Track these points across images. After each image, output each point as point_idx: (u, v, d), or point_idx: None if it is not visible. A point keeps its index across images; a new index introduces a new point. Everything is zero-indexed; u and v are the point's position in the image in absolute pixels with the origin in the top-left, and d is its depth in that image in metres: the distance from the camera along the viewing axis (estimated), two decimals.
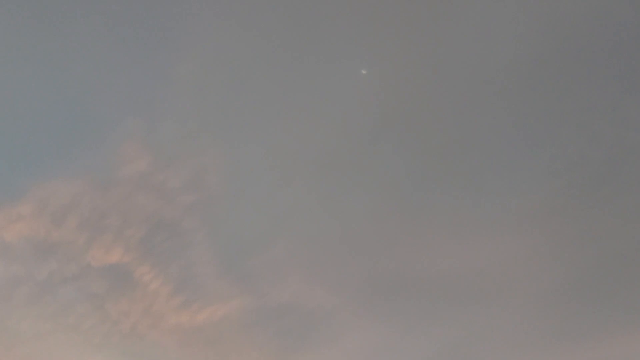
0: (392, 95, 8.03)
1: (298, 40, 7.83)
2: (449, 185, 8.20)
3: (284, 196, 8.25)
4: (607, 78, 7.64)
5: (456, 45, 7.78)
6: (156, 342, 8.20)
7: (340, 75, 7.99)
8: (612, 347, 7.90)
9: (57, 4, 7.14)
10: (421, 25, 7.78)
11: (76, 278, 7.98)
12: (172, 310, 8.19)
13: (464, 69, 7.87)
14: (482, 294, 8.35)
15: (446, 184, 8.21)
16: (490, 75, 7.78)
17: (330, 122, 8.07)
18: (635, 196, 7.75)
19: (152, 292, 8.14)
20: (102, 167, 7.74)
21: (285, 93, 7.97)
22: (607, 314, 7.96)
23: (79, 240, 7.93)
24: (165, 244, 8.11)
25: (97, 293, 8.06)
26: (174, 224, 8.08)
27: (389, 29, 7.85)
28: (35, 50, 7.46)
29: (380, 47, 7.87)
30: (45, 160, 7.67)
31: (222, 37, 7.72)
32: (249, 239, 8.28)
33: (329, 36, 7.82)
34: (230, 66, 7.85)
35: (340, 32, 7.80)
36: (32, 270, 7.88)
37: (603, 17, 7.40)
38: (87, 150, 7.67)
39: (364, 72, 7.96)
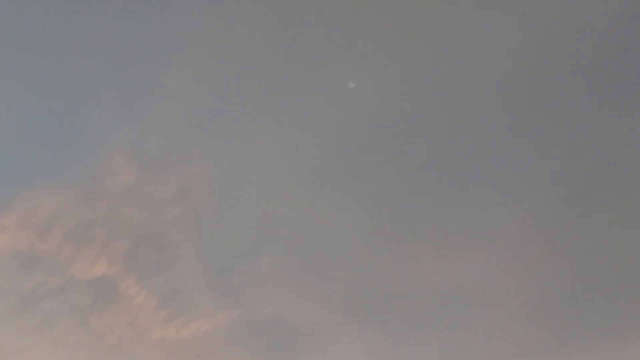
0: (380, 109, 8.07)
1: (286, 53, 7.86)
2: (436, 198, 8.23)
3: (271, 209, 8.23)
4: (591, 92, 7.71)
5: (443, 59, 7.82)
6: (141, 356, 8.10)
7: (328, 88, 8.02)
8: (601, 357, 7.88)
9: (44, 15, 7.13)
10: (409, 38, 7.80)
11: (60, 291, 7.89)
12: (157, 324, 8.11)
13: (450, 85, 7.92)
14: (470, 307, 8.34)
15: (433, 197, 8.24)
16: (476, 90, 7.83)
17: (318, 135, 8.09)
18: (621, 208, 7.79)
19: (137, 306, 8.06)
20: (88, 178, 7.69)
21: (273, 106, 7.98)
22: (595, 324, 7.95)
23: (63, 253, 7.85)
24: (152, 256, 8.05)
25: (82, 306, 7.97)
26: (161, 237, 8.03)
27: (377, 42, 7.89)
28: (22, 60, 7.44)
29: (368, 61, 7.91)
30: (31, 171, 7.61)
31: (211, 48, 7.74)
32: (236, 252, 8.24)
33: (317, 49, 7.85)
34: (218, 77, 7.86)
35: (328, 45, 7.84)
36: (15, 283, 7.80)
37: (588, 33, 7.45)
38: (73, 161, 7.63)
39: (351, 85, 8.00)
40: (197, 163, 7.97)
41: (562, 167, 7.91)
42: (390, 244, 8.41)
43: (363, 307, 8.51)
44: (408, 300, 8.40)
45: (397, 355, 8.28)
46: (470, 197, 8.14)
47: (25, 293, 7.78)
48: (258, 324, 8.31)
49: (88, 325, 7.97)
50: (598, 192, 7.82)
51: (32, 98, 7.42)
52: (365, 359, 8.33)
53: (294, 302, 8.41)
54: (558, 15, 7.40)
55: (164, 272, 8.09)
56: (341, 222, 8.36)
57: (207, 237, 8.19)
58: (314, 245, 8.40)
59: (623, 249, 7.80)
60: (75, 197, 7.75)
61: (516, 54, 7.61)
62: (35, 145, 7.57)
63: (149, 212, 7.94)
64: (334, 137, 8.09)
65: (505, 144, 8.02)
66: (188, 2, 7.42)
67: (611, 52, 7.49)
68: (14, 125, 7.53)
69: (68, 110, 7.53)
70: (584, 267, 7.96)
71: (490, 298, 8.29)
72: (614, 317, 7.90)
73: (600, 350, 7.90)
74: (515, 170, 7.99)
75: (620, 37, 7.43)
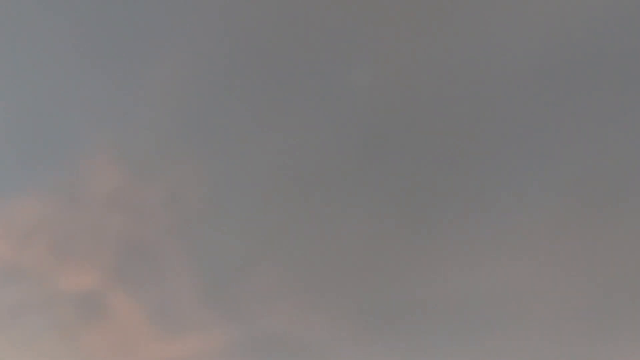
0: (388, 106, 7.66)
1: (282, 45, 7.47)
2: (452, 203, 7.74)
3: (271, 215, 7.81)
4: (618, 90, 7.21)
5: (456, 55, 7.39)
6: None
7: (332, 84, 7.66)
8: None
9: (17, 12, 6.73)
10: (418, 31, 7.42)
11: (44, 305, 7.55)
12: (148, 340, 7.69)
13: (465, 82, 7.56)
14: (491, 319, 7.79)
15: (449, 202, 7.75)
16: (493, 88, 7.36)
17: (321, 133, 7.69)
18: None
19: (126, 321, 7.64)
20: (70, 185, 7.29)
21: (270, 102, 7.57)
22: (625, 334, 7.32)
23: (46, 264, 7.49)
24: (141, 268, 7.63)
25: (67, 321, 7.59)
26: (150, 247, 7.60)
27: (384, 32, 7.54)
28: None
29: (378, 53, 7.46)
30: (9, 178, 7.23)
31: (200, 40, 7.33)
32: (232, 262, 7.82)
33: (316, 41, 7.52)
34: (210, 72, 7.45)
35: (329, 38, 7.52)
36: None
37: (613, 26, 6.92)
38: (54, 167, 7.23)
39: (358, 77, 7.59)
40: (189, 166, 7.55)
41: (590, 167, 7.37)
42: (405, 251, 7.94)
43: (375, 322, 8.01)
44: (425, 313, 7.90)
45: None
46: (490, 201, 7.66)
47: (7, 308, 7.45)
48: (258, 342, 7.87)
49: (74, 341, 7.58)
50: (628, 192, 7.23)
51: (9, 99, 7.05)
52: None
53: (298, 317, 7.96)
54: None
55: (155, 285, 7.67)
56: (349, 228, 7.92)
57: (201, 246, 7.76)
58: (320, 253, 7.96)
59: None
60: (57, 205, 7.36)
61: (538, 48, 7.16)
62: (12, 151, 7.22)
63: (137, 220, 7.50)
64: (339, 135, 7.72)
65: (527, 143, 7.55)
66: None
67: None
68: None
69: (48, 111, 7.14)
70: (615, 271, 7.36)
71: (514, 307, 7.74)
72: None
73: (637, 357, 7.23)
74: (539, 171, 7.47)
75: None
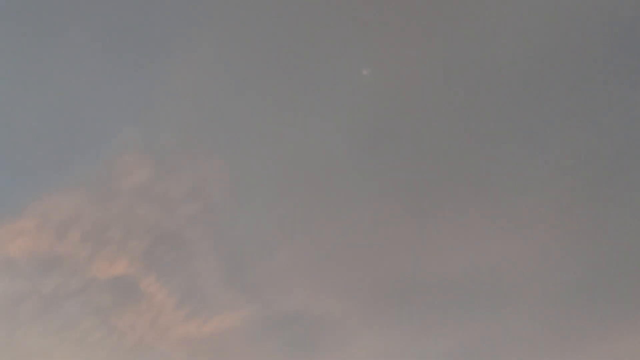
0: (395, 96, 7.92)
1: (296, 44, 7.76)
2: (456, 186, 8.07)
3: (287, 203, 8.16)
4: (615, 72, 7.48)
5: (459, 43, 7.66)
6: (163, 354, 8.11)
7: (341, 77, 7.91)
8: (628, 345, 7.69)
9: (50, 18, 7.11)
10: (423, 22, 7.66)
11: (81, 291, 7.94)
12: (178, 321, 8.11)
13: (468, 67, 7.76)
14: (493, 296, 8.16)
15: (453, 185, 8.08)
16: (495, 73, 7.66)
17: (332, 126, 7.98)
18: None
19: (157, 304, 8.06)
20: (102, 179, 7.70)
21: (285, 98, 7.89)
22: (622, 311, 7.74)
23: (82, 253, 7.89)
24: (169, 254, 8.04)
25: (103, 306, 8.00)
26: (177, 235, 8.01)
27: (389, 27, 7.77)
28: (31, 64, 7.45)
29: (381, 46, 7.76)
30: (45, 174, 7.64)
31: (219, 42, 7.66)
32: (253, 247, 8.19)
33: (328, 37, 7.75)
34: (228, 72, 7.79)
35: (339, 32, 7.73)
36: (36, 285, 7.85)
37: (612, 11, 7.23)
38: (87, 162, 7.64)
39: (365, 72, 7.86)
40: (211, 159, 7.92)
41: (587, 149, 7.68)
42: (411, 234, 8.29)
43: (384, 299, 8.41)
44: (431, 292, 8.28)
45: (420, 348, 8.16)
46: (492, 183, 7.98)
47: (46, 295, 7.85)
48: (278, 319, 8.27)
49: (109, 324, 8.01)
50: (625, 174, 7.59)
51: (43, 102, 7.44)
52: (388, 352, 8.22)
53: (314, 296, 8.34)
54: None
55: (183, 270, 8.09)
56: (360, 213, 8.26)
57: (224, 234, 8.15)
58: (333, 238, 8.32)
59: None
60: (90, 198, 7.76)
61: (537, 34, 7.43)
62: (48, 149, 7.60)
63: (164, 211, 7.93)
64: (350, 127, 7.99)
65: (528, 127, 7.82)
66: None
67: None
68: (27, 130, 7.56)
69: (79, 111, 7.53)
70: (612, 251, 7.74)
71: (515, 285, 8.12)
72: None
73: (630, 336, 7.69)
74: (538, 153, 7.78)
75: None
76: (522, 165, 7.76)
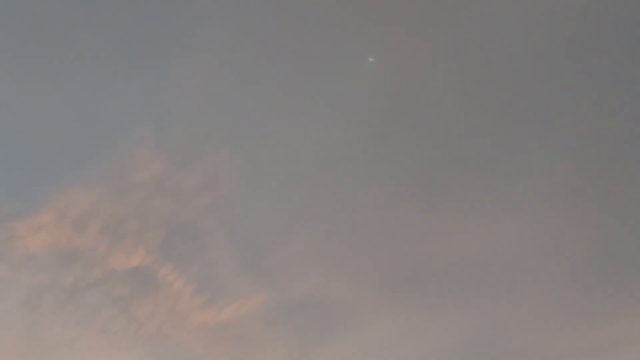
0: (402, 83, 7.97)
1: (303, 35, 7.80)
2: (464, 171, 8.13)
3: (298, 191, 8.28)
4: (622, 53, 7.46)
5: (465, 28, 7.68)
6: (182, 341, 8.33)
7: (347, 65, 7.95)
8: (637, 326, 7.78)
9: (64, 19, 7.22)
10: (429, 10, 7.67)
11: (100, 283, 8.14)
12: (195, 309, 8.30)
13: (473, 53, 7.78)
14: (503, 279, 8.27)
15: (461, 170, 8.14)
16: (500, 58, 7.67)
17: (340, 114, 8.05)
18: None
19: (175, 293, 8.27)
20: (117, 174, 7.85)
21: (293, 88, 7.97)
22: (631, 292, 7.82)
23: (100, 246, 8.08)
24: (185, 245, 8.22)
25: (122, 296, 8.20)
26: (192, 226, 8.18)
27: (395, 15, 7.78)
28: (47, 64, 7.59)
29: (387, 34, 7.81)
30: (62, 171, 7.81)
31: (227, 36, 7.73)
32: (266, 236, 8.34)
33: (334, 27, 7.77)
34: (237, 65, 7.87)
35: (345, 20, 7.74)
36: (57, 278, 8.06)
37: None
38: (102, 158, 7.80)
39: (371, 60, 7.89)
40: (222, 151, 8.04)
41: (594, 131, 7.70)
42: (421, 218, 8.38)
43: (397, 283, 8.54)
44: (442, 275, 8.39)
45: (433, 330, 8.31)
46: (499, 167, 8.03)
47: (67, 287, 8.06)
48: (293, 305, 8.43)
49: (129, 314, 8.22)
50: (632, 156, 7.61)
51: (57, 99, 7.58)
52: (402, 335, 8.39)
53: (327, 282, 8.49)
54: None
55: (199, 259, 8.27)
56: (370, 200, 8.35)
57: (237, 223, 8.30)
58: (345, 224, 8.43)
59: None
60: (107, 192, 7.94)
61: (543, 18, 7.43)
62: (64, 146, 7.76)
63: (179, 203, 8.09)
64: (358, 114, 8.05)
65: (534, 110, 7.83)
66: None
67: None
68: (43, 127, 7.72)
69: (92, 108, 7.67)
70: (621, 232, 7.79)
71: (525, 268, 8.21)
72: None
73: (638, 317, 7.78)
74: (545, 136, 7.81)
75: None
76: (529, 149, 7.81)
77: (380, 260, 8.46)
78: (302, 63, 7.87)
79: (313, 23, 7.80)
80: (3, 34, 7.53)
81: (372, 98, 8.00)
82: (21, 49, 7.60)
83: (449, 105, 8.00)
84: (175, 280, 8.21)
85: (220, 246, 8.24)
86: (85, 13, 7.43)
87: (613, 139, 7.63)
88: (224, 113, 7.99)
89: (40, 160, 7.83)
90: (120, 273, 8.15)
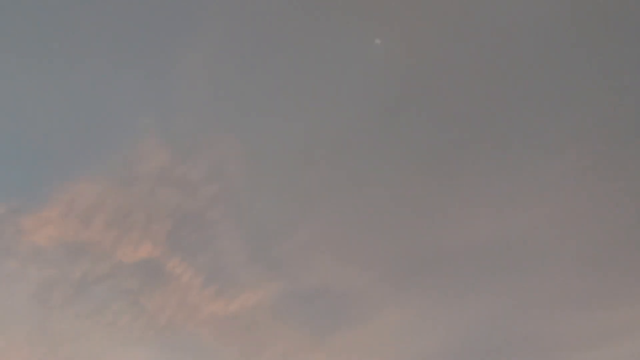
0: (410, 64, 7.81)
1: (307, 17, 7.65)
2: (477, 153, 7.98)
3: (306, 178, 8.18)
4: (636, 33, 7.24)
5: (475, 7, 7.48)
6: (193, 333, 8.32)
7: (353, 48, 7.80)
8: None
9: (64, 10, 7.13)
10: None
11: (109, 276, 8.13)
12: (205, 300, 8.28)
13: (484, 32, 7.60)
14: (520, 262, 8.15)
15: (473, 152, 7.99)
16: (513, 37, 7.47)
17: (347, 99, 7.92)
18: None
19: (184, 285, 8.23)
20: (121, 166, 7.80)
21: (298, 73, 7.85)
22: None
23: (107, 239, 8.05)
24: (192, 236, 8.17)
25: (131, 289, 8.19)
26: (199, 216, 8.12)
27: (398, 4, 7.60)
28: (49, 57, 7.51)
29: (393, 13, 7.63)
30: (66, 164, 7.77)
31: (230, 22, 7.61)
32: (274, 225, 8.27)
33: (338, 8, 7.62)
34: (241, 51, 7.75)
35: (349, 1, 7.59)
36: (65, 272, 8.05)
37: None
38: (106, 151, 7.74)
39: (377, 41, 7.74)
40: (227, 140, 7.95)
41: (610, 108, 7.50)
42: (432, 203, 8.26)
43: (409, 270, 8.46)
44: (456, 260, 8.29)
45: (447, 318, 8.21)
46: (513, 148, 7.86)
47: (76, 281, 8.05)
48: (304, 294, 8.39)
49: (139, 307, 8.21)
50: None
51: (58, 92, 7.51)
52: (414, 323, 8.30)
53: (337, 270, 8.42)
54: None
55: (207, 250, 8.22)
56: (380, 185, 8.24)
57: (245, 213, 8.24)
58: (354, 211, 8.34)
59: None
60: (112, 185, 7.89)
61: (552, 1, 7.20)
62: (66, 138, 7.70)
63: (185, 194, 8.02)
64: (365, 98, 7.92)
65: (548, 89, 7.65)
66: None
67: None
68: (44, 120, 7.66)
69: (93, 100, 7.59)
70: (636, 214, 7.63)
71: (542, 250, 8.09)
72: None
73: None
74: (559, 115, 7.62)
75: None
76: (541, 131, 7.64)
77: (391, 247, 8.37)
78: (307, 47, 7.75)
79: (317, 6, 7.66)
80: (4, 29, 7.47)
81: (380, 81, 7.88)
82: (22, 43, 7.54)
83: (458, 88, 7.85)
84: (184, 272, 8.17)
85: (229, 236, 8.19)
86: (86, 5, 7.33)
87: (626, 120, 7.44)
88: (228, 101, 7.89)
89: (44, 154, 7.80)
90: (128, 266, 8.13)
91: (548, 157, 7.69)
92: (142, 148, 7.77)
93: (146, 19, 7.42)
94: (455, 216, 8.11)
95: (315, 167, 8.15)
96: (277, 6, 7.61)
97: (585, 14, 7.30)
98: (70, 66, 7.58)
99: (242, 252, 8.26)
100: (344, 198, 8.27)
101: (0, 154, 7.73)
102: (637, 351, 7.61)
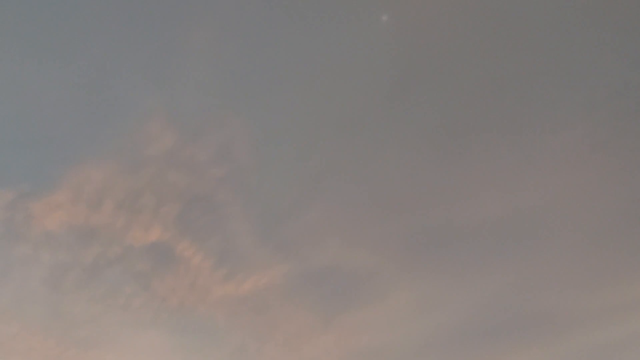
0: (417, 41, 7.69)
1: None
2: (486, 129, 7.87)
3: (314, 158, 8.10)
4: None
5: None
6: (204, 314, 8.32)
7: (361, 25, 7.67)
8: None
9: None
10: None
11: (120, 260, 8.14)
12: (216, 282, 8.27)
13: (495, 6, 7.46)
14: (530, 236, 8.07)
15: (482, 128, 7.88)
16: (522, 10, 7.34)
17: (354, 77, 7.82)
18: None
19: (195, 267, 8.23)
20: (129, 148, 7.77)
21: (304, 52, 7.73)
22: None
23: (117, 223, 8.05)
24: (202, 218, 8.14)
25: (143, 272, 8.20)
26: (208, 198, 8.08)
27: None
28: (55, 40, 7.47)
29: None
30: (74, 148, 7.76)
31: (235, 1, 7.50)
32: (283, 205, 8.21)
33: None
34: (247, 30, 7.64)
35: None
36: (77, 256, 8.08)
37: None
38: (113, 133, 7.71)
39: (384, 18, 7.63)
40: (234, 120, 7.88)
41: (620, 81, 7.37)
42: (442, 180, 8.17)
43: (419, 249, 8.38)
44: (466, 237, 8.22)
45: (457, 295, 8.16)
46: (522, 123, 7.75)
47: (88, 265, 8.08)
48: (314, 274, 8.35)
49: (151, 289, 8.22)
50: None
51: (65, 77, 7.48)
52: (425, 300, 8.25)
53: (347, 250, 8.37)
54: None
55: (217, 233, 8.19)
56: (389, 164, 8.15)
57: (254, 194, 8.18)
58: (363, 189, 8.26)
59: None
60: (120, 168, 7.86)
61: None
62: (75, 123, 7.68)
63: (193, 175, 7.98)
64: (372, 77, 7.82)
65: (556, 62, 7.51)
66: None
67: None
68: (53, 105, 7.65)
69: (100, 83, 7.55)
70: None
71: (552, 224, 8.00)
72: None
73: None
74: (568, 89, 7.51)
75: None
76: (552, 103, 7.50)
77: (401, 225, 8.30)
78: (314, 26, 7.61)
79: None
80: (11, 14, 7.43)
81: (387, 57, 7.76)
82: (29, 28, 7.50)
83: (466, 61, 7.73)
84: (194, 255, 8.17)
85: (238, 218, 8.15)
86: None
87: (638, 91, 7.27)
88: (234, 80, 7.80)
89: (51, 139, 7.79)
90: (139, 249, 8.14)
91: (559, 130, 7.56)
92: (149, 130, 7.73)
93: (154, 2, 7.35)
94: (464, 193, 8.02)
95: (323, 147, 8.08)
96: None
97: None
98: (77, 51, 7.54)
99: (251, 234, 8.23)
100: (352, 178, 8.20)
101: (8, 140, 7.74)
102: None
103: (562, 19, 7.28)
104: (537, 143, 7.69)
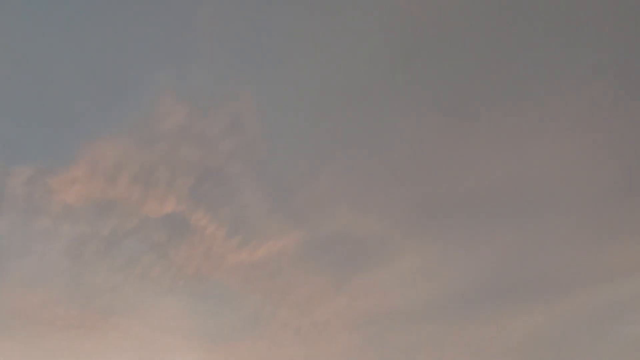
0: (423, 8, 7.73)
1: None
2: (490, 95, 7.97)
3: (323, 128, 8.26)
4: None
5: None
6: (220, 281, 8.66)
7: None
8: None
9: None
10: None
11: (137, 231, 8.43)
12: (230, 250, 8.57)
13: None
14: (534, 203, 8.26)
15: (486, 94, 7.98)
16: None
17: (361, 47, 7.87)
18: None
19: (209, 236, 8.52)
20: (143, 123, 7.96)
21: (312, 23, 7.79)
22: None
23: (133, 195, 8.31)
24: (215, 190, 8.38)
25: (159, 242, 8.50)
26: (220, 170, 8.30)
27: None
28: (64, 17, 7.58)
29: None
30: (90, 124, 7.95)
31: None
32: (294, 175, 8.42)
33: None
34: (254, 3, 7.70)
35: None
36: (96, 228, 8.38)
37: None
38: (126, 108, 7.88)
39: None
40: (244, 93, 8.02)
41: (624, 45, 7.40)
42: (448, 147, 8.33)
43: (426, 214, 8.61)
44: (471, 202, 8.42)
45: (463, 259, 8.43)
46: (526, 89, 7.83)
47: (107, 236, 8.38)
48: (324, 241, 8.62)
49: (168, 258, 8.55)
50: None
51: (76, 52, 7.62)
52: (432, 265, 8.54)
53: (356, 217, 8.62)
54: None
55: (229, 203, 8.45)
56: (396, 132, 8.30)
57: (264, 165, 8.38)
58: (371, 158, 8.45)
59: None
60: (134, 143, 8.07)
61: None
62: (87, 98, 7.85)
63: (205, 149, 8.19)
64: (379, 46, 7.87)
65: (560, 26, 7.53)
66: None
67: None
68: (66, 81, 7.80)
69: (113, 59, 7.69)
70: None
71: (556, 191, 8.17)
72: None
73: None
74: (572, 53, 7.55)
75: None
76: (557, 67, 7.56)
77: (409, 192, 8.51)
78: (320, 2, 7.66)
79: None
80: None
81: (394, 27, 7.80)
82: (44, 3, 7.59)
83: (472, 29, 7.76)
84: (208, 224, 8.45)
85: (250, 188, 8.39)
86: None
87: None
88: (242, 54, 7.91)
89: (68, 116, 7.98)
90: (155, 220, 8.42)
91: (566, 94, 7.64)
92: (162, 105, 7.91)
93: None
94: (471, 157, 8.18)
95: (331, 117, 8.22)
96: None
97: None
98: (88, 26, 7.64)
99: (263, 203, 8.48)
100: (361, 146, 8.37)
101: (26, 119, 7.95)
102: None
103: None
104: (544, 107, 7.79)
